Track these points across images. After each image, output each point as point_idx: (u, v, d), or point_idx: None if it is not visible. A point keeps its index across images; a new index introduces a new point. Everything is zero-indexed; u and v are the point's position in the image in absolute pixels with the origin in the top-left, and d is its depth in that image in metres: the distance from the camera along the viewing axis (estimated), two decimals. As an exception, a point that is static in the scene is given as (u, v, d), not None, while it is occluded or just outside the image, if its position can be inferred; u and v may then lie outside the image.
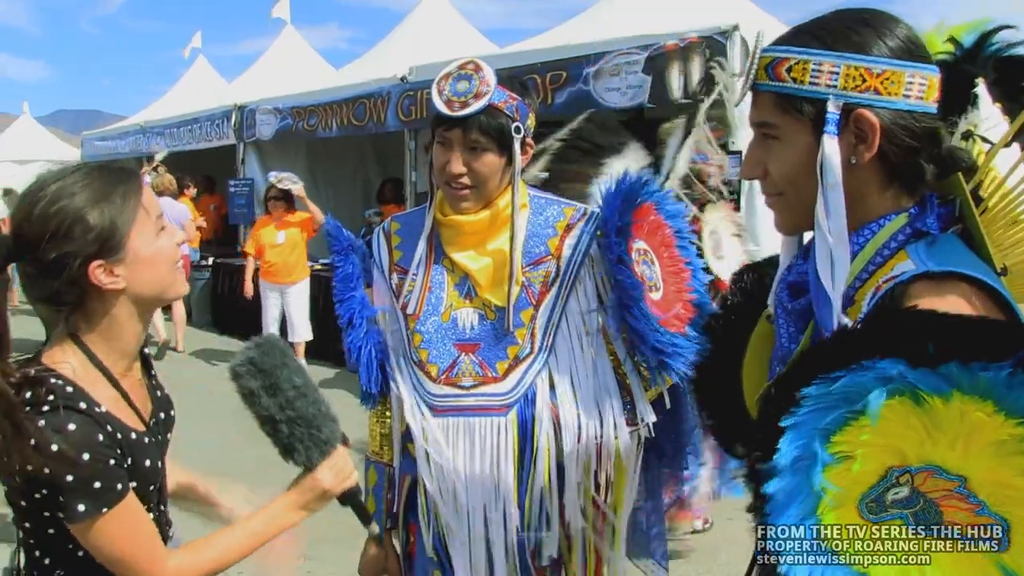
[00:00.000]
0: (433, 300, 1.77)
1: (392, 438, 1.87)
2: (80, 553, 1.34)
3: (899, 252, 1.07)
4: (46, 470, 1.22)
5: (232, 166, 10.66)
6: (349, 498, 1.56)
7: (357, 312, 1.82)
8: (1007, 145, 1.13)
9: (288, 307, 7.63)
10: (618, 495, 1.81)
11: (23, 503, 1.31)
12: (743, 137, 5.14)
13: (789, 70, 1.08)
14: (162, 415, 1.50)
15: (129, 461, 1.33)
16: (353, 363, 1.81)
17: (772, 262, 1.43)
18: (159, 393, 1.53)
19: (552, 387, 1.73)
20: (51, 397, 1.25)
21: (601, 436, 1.72)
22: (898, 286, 1.00)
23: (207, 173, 11.96)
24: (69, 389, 1.27)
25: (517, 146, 1.68)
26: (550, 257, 1.76)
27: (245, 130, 10.21)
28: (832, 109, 1.05)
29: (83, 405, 1.27)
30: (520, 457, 1.72)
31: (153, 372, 1.56)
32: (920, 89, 1.06)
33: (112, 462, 1.29)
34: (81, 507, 1.25)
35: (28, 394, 1.24)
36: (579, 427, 1.71)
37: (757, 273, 1.47)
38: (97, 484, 1.26)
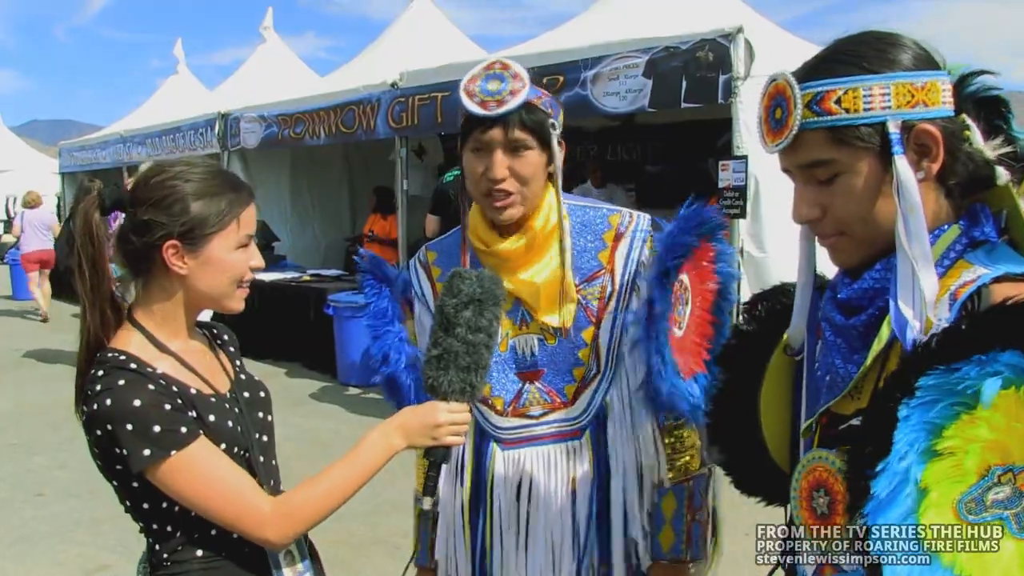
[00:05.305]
0: None
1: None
2: (191, 513, 1.40)
3: (959, 262, 1.06)
4: (108, 426, 1.33)
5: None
6: (439, 455, 1.45)
7: (394, 347, 1.73)
8: None
9: None
10: None
11: (119, 482, 1.40)
12: (748, 141, 5.08)
13: (839, 101, 1.05)
14: (246, 394, 1.57)
15: (193, 413, 1.40)
16: (396, 400, 1.72)
17: (781, 291, 1.39)
18: (242, 376, 1.61)
19: (623, 404, 1.66)
20: (105, 366, 1.38)
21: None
22: (982, 288, 0.99)
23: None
24: (122, 357, 1.39)
25: (555, 143, 1.60)
26: (603, 271, 1.66)
27: (229, 139, 10.06)
28: (893, 129, 1.04)
29: (133, 366, 1.38)
30: (595, 479, 1.65)
31: (239, 362, 1.64)
32: (949, 95, 1.07)
33: (168, 407, 1.36)
34: (147, 451, 1.33)
35: (93, 372, 1.38)
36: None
37: (769, 302, 1.42)
38: (156, 428, 1.33)
